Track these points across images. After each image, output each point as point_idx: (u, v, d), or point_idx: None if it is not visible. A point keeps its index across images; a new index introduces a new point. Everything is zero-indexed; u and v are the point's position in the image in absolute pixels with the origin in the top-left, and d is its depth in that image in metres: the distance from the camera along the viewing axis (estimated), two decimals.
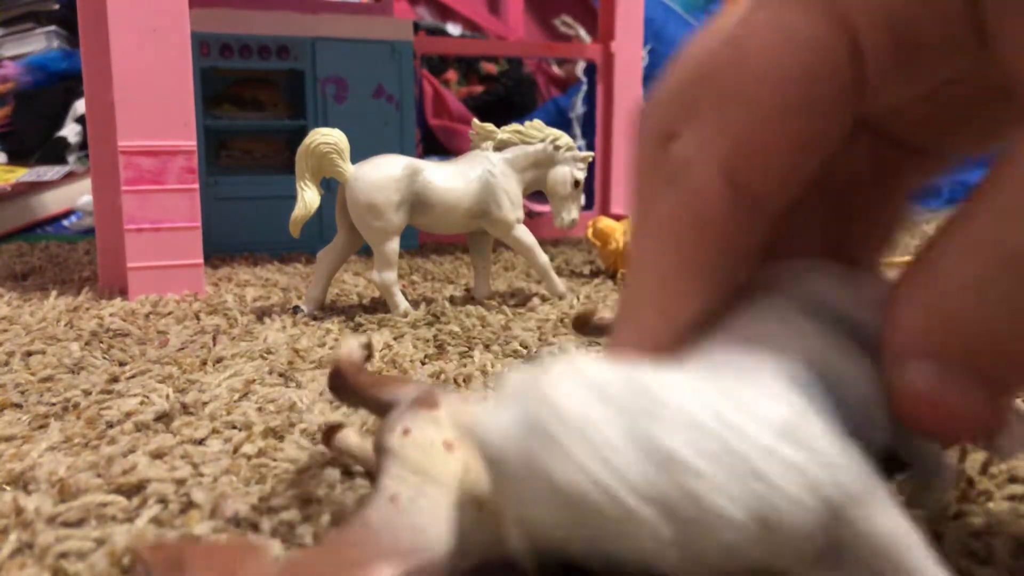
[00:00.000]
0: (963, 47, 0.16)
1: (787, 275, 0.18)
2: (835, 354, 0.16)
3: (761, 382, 0.15)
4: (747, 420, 0.14)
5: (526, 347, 0.47)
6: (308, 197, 0.54)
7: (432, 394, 0.20)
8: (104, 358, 0.45)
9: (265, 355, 0.45)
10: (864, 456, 0.15)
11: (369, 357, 0.28)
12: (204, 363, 0.43)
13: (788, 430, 0.14)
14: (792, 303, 0.17)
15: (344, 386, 0.26)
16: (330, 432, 0.28)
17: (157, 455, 0.30)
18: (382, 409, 0.25)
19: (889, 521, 0.15)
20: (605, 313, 0.31)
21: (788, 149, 0.16)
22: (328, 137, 0.54)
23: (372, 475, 0.27)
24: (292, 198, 0.54)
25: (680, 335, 0.18)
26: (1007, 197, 0.14)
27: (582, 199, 0.62)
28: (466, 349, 0.47)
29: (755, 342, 0.16)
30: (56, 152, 1.27)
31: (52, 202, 1.11)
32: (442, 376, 0.41)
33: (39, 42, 1.37)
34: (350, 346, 0.27)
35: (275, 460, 0.29)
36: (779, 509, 0.14)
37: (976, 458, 0.28)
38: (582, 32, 1.57)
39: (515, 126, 0.60)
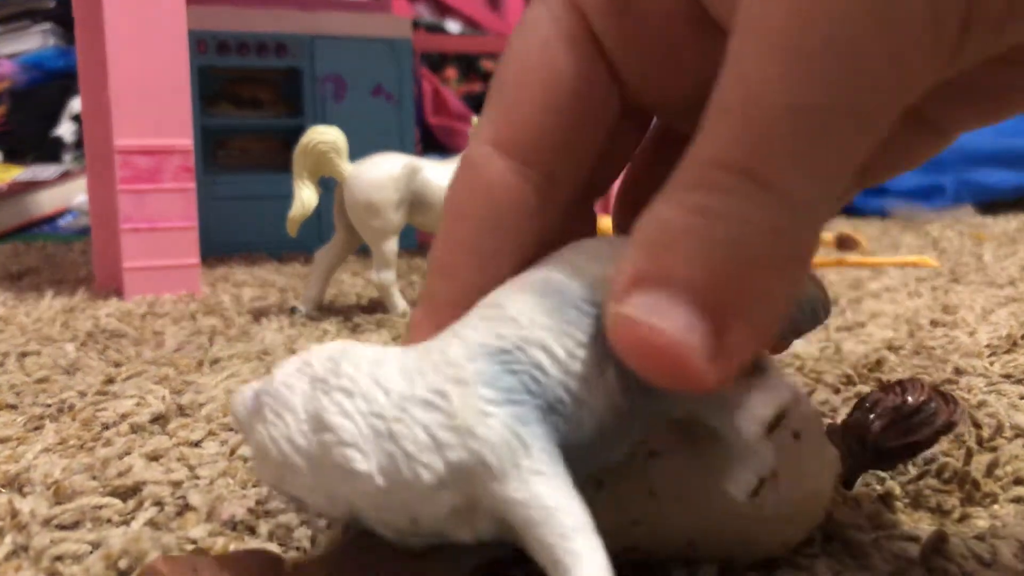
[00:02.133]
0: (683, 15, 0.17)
1: (553, 256, 0.19)
2: (547, 325, 0.17)
3: (443, 354, 0.17)
4: (401, 387, 0.16)
5: None
6: (306, 196, 0.54)
7: None
8: (100, 359, 0.45)
9: (262, 356, 0.45)
10: (515, 428, 0.16)
11: None
12: (200, 364, 0.43)
13: (432, 397, 0.16)
14: (534, 279, 0.18)
15: None
16: None
17: (153, 457, 0.30)
18: None
19: (531, 493, 0.15)
20: None
21: (539, 119, 0.18)
22: (326, 136, 0.54)
23: None
24: (290, 197, 0.54)
25: (459, 302, 0.19)
26: (705, 121, 0.14)
27: None
28: None
29: (474, 317, 0.18)
30: (52, 151, 1.26)
31: (48, 202, 1.11)
32: None
33: (35, 40, 1.37)
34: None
35: None
36: (401, 465, 0.16)
37: (981, 460, 0.28)
38: None
39: None
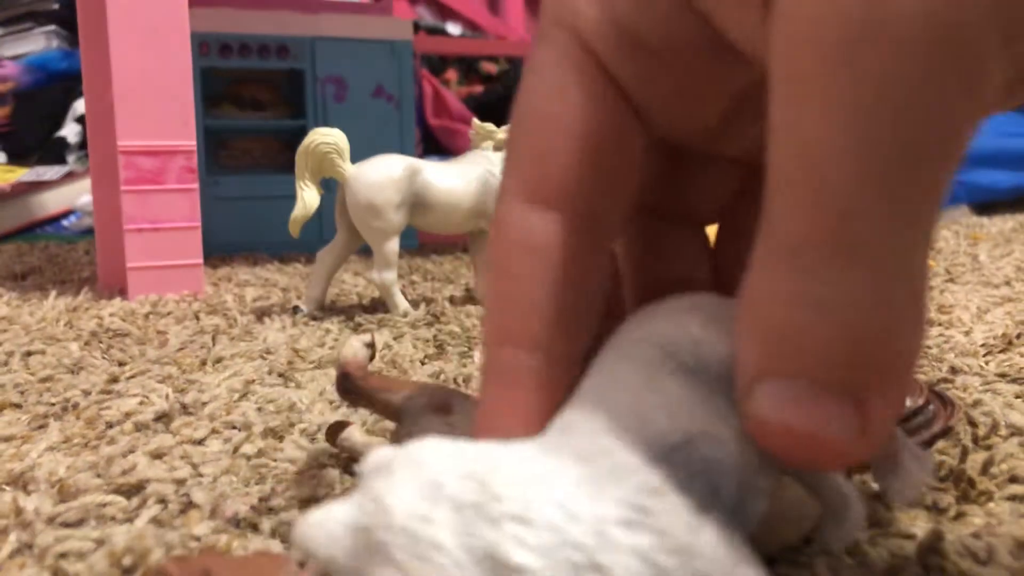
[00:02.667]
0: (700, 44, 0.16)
1: (660, 319, 0.17)
2: (705, 414, 0.15)
3: (614, 460, 0.14)
4: (588, 507, 0.14)
5: None
6: (308, 197, 0.54)
7: (445, 399, 0.20)
8: (103, 358, 0.45)
9: (265, 355, 0.45)
10: (729, 530, 0.14)
11: (373, 356, 0.28)
12: (204, 363, 0.43)
13: (632, 514, 0.14)
14: (659, 356, 0.16)
15: (353, 388, 0.26)
16: (335, 429, 0.28)
17: (157, 455, 0.30)
18: (393, 413, 0.25)
19: None
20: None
21: (567, 167, 0.17)
22: (328, 137, 0.54)
23: None
24: (292, 198, 0.54)
25: (548, 373, 0.17)
26: (771, 193, 0.13)
27: None
28: (466, 349, 0.47)
29: (615, 408, 0.15)
30: (56, 152, 1.27)
31: (52, 202, 1.11)
32: (442, 376, 0.41)
33: (39, 42, 1.37)
34: (353, 347, 0.27)
35: (275, 460, 0.29)
36: None
37: (976, 459, 0.28)
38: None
39: None
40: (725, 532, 0.14)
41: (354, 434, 0.28)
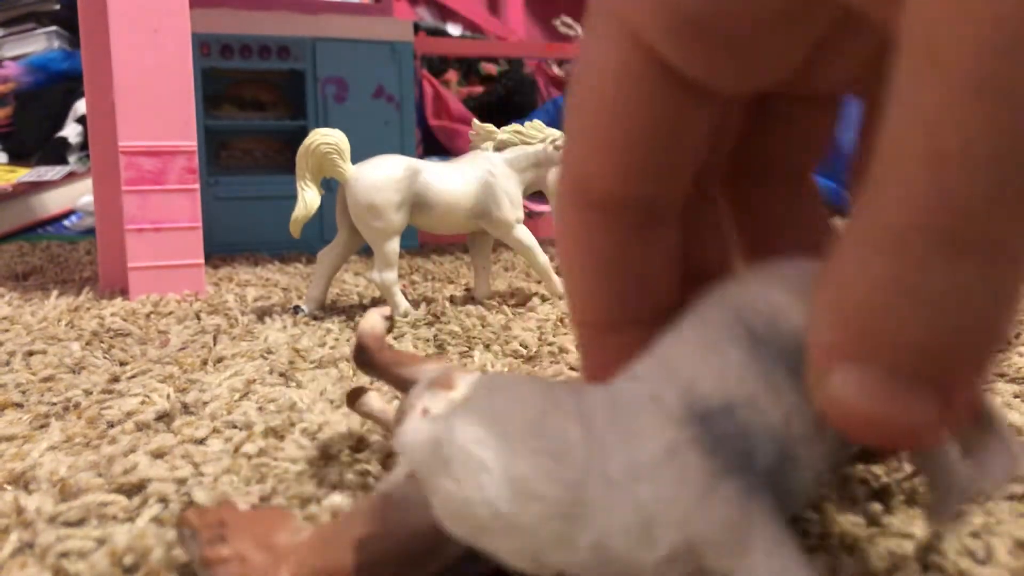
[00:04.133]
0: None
1: (747, 283, 0.17)
2: (756, 382, 0.15)
3: (645, 416, 0.16)
4: (604, 456, 0.15)
5: (526, 347, 0.47)
6: (308, 197, 0.54)
7: (449, 374, 0.21)
8: (105, 358, 0.45)
9: (266, 355, 0.45)
10: (760, 497, 0.15)
11: (391, 329, 0.29)
12: (205, 363, 0.43)
13: (653, 470, 0.15)
14: (731, 319, 0.17)
15: (368, 361, 0.27)
16: (354, 395, 0.29)
17: (158, 455, 0.30)
18: (404, 385, 0.26)
19: (766, 570, 0.14)
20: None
21: (625, 148, 0.17)
22: (328, 137, 0.54)
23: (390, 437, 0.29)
24: (292, 198, 0.55)
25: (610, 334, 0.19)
26: (880, 170, 0.13)
27: None
28: (466, 349, 0.47)
29: (672, 367, 0.16)
30: (57, 152, 1.27)
31: (53, 202, 1.11)
32: None
33: (40, 42, 1.37)
34: (372, 319, 0.28)
35: (276, 460, 0.29)
36: (611, 540, 0.15)
37: None
38: (582, 32, 1.57)
39: (515, 126, 0.61)
40: (750, 498, 0.15)
41: (373, 400, 0.29)
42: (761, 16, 0.15)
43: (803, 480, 0.15)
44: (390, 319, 0.29)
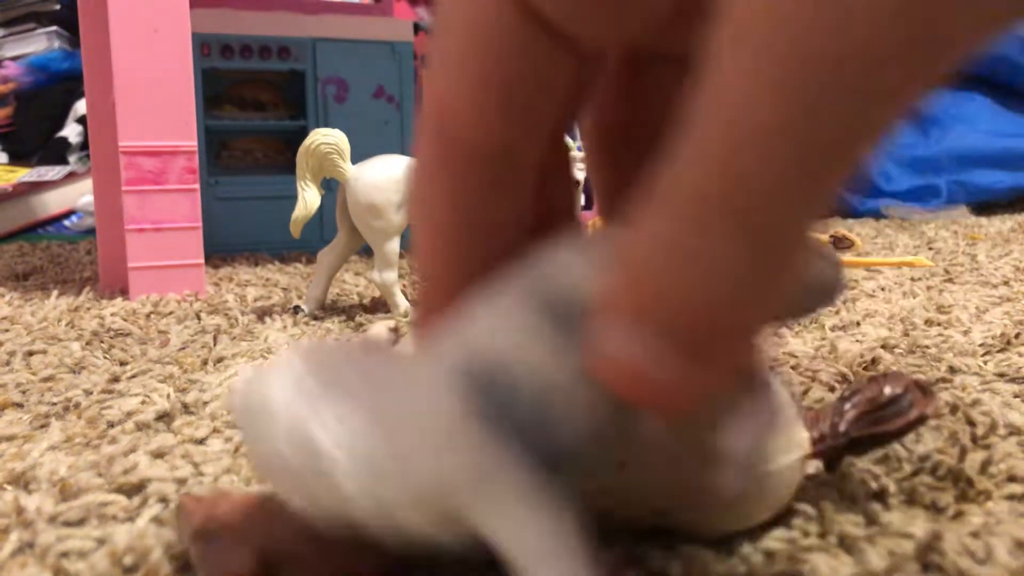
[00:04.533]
0: None
1: (562, 247, 0.18)
2: (530, 343, 0.16)
3: (408, 379, 0.17)
4: (376, 406, 0.17)
5: None
6: (309, 197, 0.54)
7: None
8: (105, 358, 0.45)
9: (266, 355, 0.45)
10: (507, 442, 0.16)
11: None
12: (205, 363, 0.43)
13: (411, 420, 0.16)
14: (532, 285, 0.17)
15: None
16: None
17: (158, 455, 0.30)
18: None
19: (501, 517, 0.16)
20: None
21: (485, 85, 0.17)
22: (329, 137, 0.54)
23: None
24: (293, 198, 0.55)
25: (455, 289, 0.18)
26: (684, 140, 0.13)
27: (581, 199, 0.62)
28: None
29: (467, 326, 0.17)
30: (57, 152, 1.27)
31: (53, 202, 1.11)
32: None
33: (40, 42, 1.37)
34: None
35: None
36: (373, 484, 0.16)
37: (975, 458, 0.28)
38: None
39: None
40: (505, 449, 0.16)
41: (380, 331, 0.30)
42: None
43: (573, 430, 0.16)
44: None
